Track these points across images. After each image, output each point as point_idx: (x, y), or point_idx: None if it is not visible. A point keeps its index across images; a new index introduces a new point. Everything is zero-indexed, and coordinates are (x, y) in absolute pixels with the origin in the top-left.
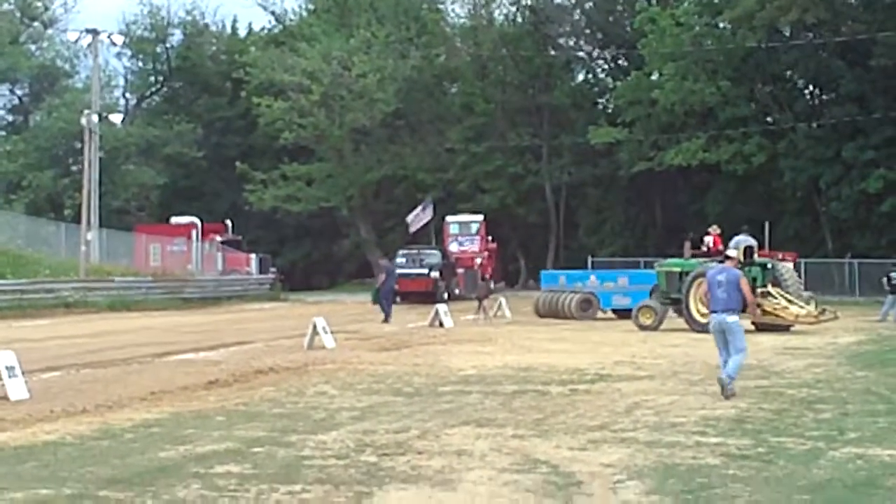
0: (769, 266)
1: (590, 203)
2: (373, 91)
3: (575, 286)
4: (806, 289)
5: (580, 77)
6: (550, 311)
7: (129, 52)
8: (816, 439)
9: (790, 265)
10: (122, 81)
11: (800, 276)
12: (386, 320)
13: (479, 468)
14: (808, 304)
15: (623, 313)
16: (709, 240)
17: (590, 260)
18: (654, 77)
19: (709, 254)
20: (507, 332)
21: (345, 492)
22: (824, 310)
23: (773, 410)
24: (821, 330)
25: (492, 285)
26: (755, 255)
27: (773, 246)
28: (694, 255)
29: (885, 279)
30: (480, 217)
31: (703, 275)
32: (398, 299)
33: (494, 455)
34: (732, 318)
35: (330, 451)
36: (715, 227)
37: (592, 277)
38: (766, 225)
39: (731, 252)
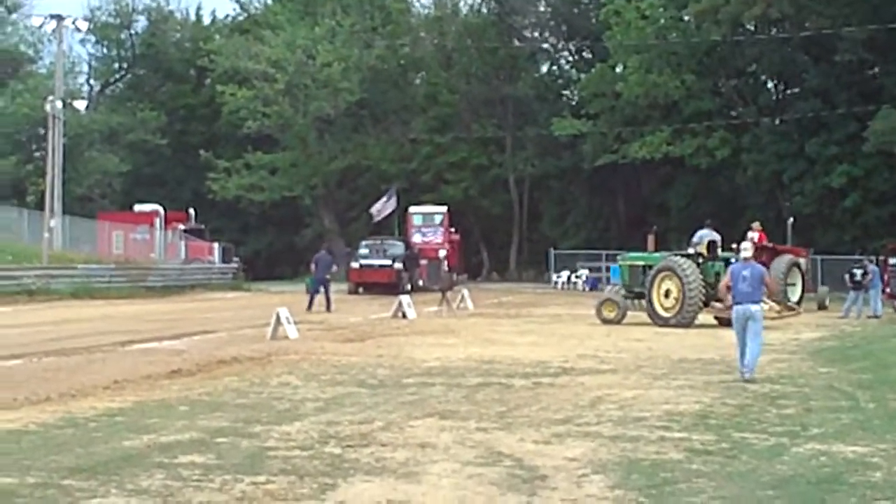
0: (733, 260)
1: (553, 195)
2: (337, 80)
3: None
4: (823, 283)
5: (544, 69)
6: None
7: (93, 39)
8: (780, 435)
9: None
10: (86, 68)
11: (807, 273)
12: (308, 308)
13: (443, 461)
14: (824, 300)
15: None
16: (754, 235)
17: (552, 252)
18: (619, 69)
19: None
20: (470, 324)
21: (309, 483)
22: (788, 305)
23: (736, 406)
24: (783, 325)
25: (455, 277)
26: (718, 250)
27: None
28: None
29: (847, 276)
30: (444, 208)
31: (667, 269)
32: (360, 290)
33: (458, 448)
34: (756, 307)
35: (294, 442)
36: (757, 223)
37: None
38: (790, 221)
39: (745, 249)
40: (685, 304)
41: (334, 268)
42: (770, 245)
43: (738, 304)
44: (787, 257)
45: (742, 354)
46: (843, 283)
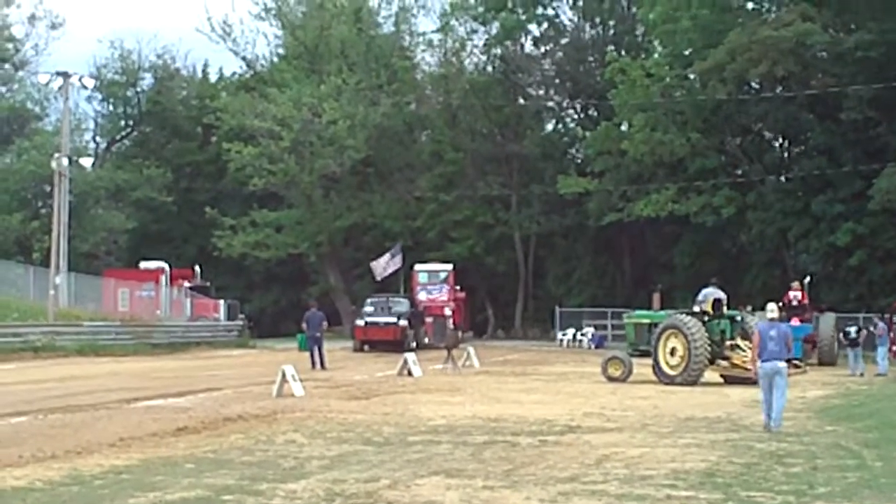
0: (738, 318)
1: (558, 253)
2: (343, 138)
3: None
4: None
5: (550, 126)
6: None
7: (99, 96)
8: (786, 493)
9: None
10: (92, 125)
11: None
12: (313, 367)
13: None
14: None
15: None
16: (797, 294)
17: (557, 310)
18: (624, 127)
19: (799, 307)
20: (476, 381)
21: None
22: (794, 363)
23: (742, 464)
24: (790, 383)
25: (460, 334)
26: (723, 308)
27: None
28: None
29: (841, 334)
30: (449, 266)
31: (672, 326)
32: (365, 347)
33: None
34: (783, 364)
35: (300, 501)
36: (796, 282)
37: None
38: (807, 280)
39: (772, 311)
40: (691, 361)
41: (325, 324)
42: (806, 303)
43: (765, 360)
44: (831, 315)
45: (768, 408)
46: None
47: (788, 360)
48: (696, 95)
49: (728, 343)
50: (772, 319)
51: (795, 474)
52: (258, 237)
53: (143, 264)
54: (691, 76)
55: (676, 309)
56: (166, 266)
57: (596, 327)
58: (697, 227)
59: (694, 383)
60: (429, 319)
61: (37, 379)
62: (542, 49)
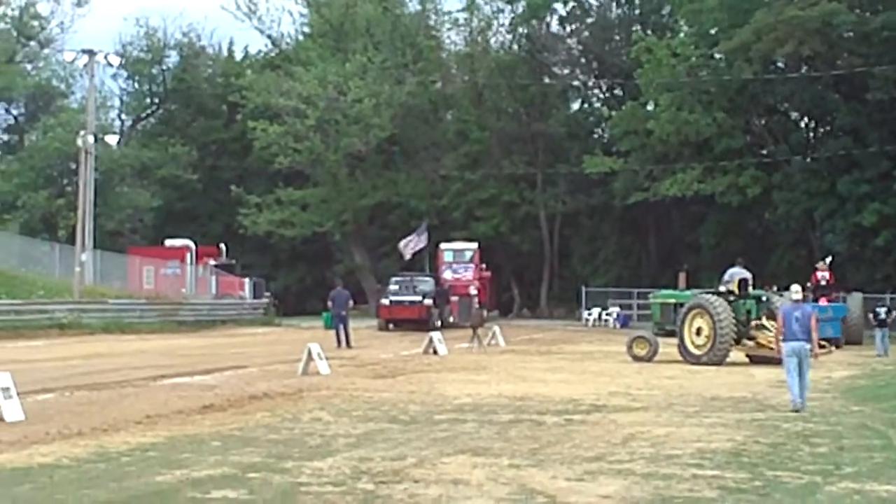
0: (764, 299)
1: (584, 232)
2: (368, 116)
3: None
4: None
5: (575, 106)
6: None
7: (125, 74)
8: (813, 474)
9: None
10: (117, 102)
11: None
12: (339, 345)
13: (476, 497)
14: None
15: None
16: (825, 274)
17: (583, 289)
18: (650, 107)
19: (827, 287)
20: (502, 360)
21: None
22: (820, 343)
23: (769, 444)
24: (815, 364)
25: (485, 314)
26: (749, 288)
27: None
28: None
29: (871, 314)
30: (475, 245)
31: (698, 306)
32: (390, 326)
33: (491, 484)
34: (808, 345)
35: (326, 478)
36: (822, 262)
37: None
38: (829, 260)
39: (796, 292)
40: (716, 341)
41: (350, 303)
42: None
43: (789, 340)
44: (858, 295)
45: (794, 386)
46: (870, 322)
47: (828, 340)
48: (722, 75)
49: (754, 323)
50: (796, 301)
51: (822, 454)
52: (283, 215)
53: (169, 242)
54: (717, 56)
55: (702, 289)
56: (192, 244)
57: (621, 307)
58: (723, 207)
59: (720, 363)
60: (454, 298)
61: (63, 356)
62: (568, 28)
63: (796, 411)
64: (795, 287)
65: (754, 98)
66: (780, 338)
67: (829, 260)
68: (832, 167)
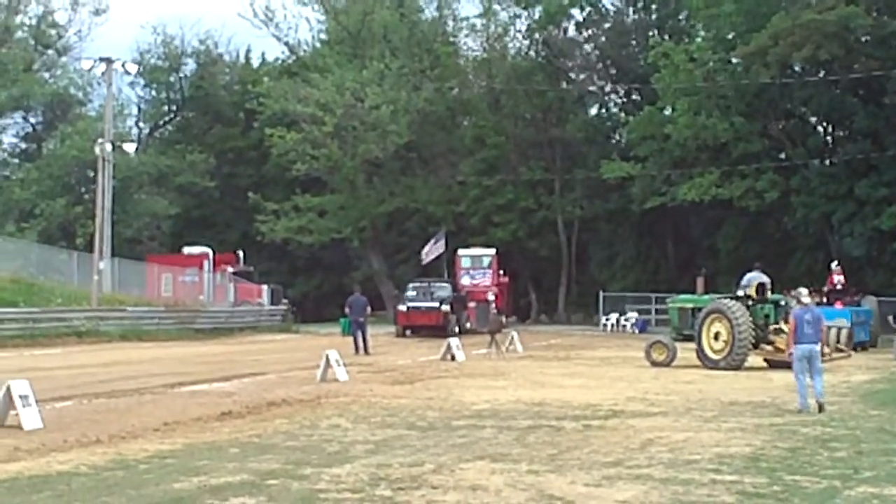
0: (782, 303)
1: (601, 237)
2: (386, 123)
3: None
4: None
5: (593, 111)
6: None
7: (142, 81)
8: (832, 478)
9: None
10: (135, 110)
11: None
12: (356, 352)
13: (494, 503)
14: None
15: None
16: (840, 278)
17: (601, 294)
18: (667, 112)
19: (842, 291)
20: (520, 366)
21: None
22: (838, 348)
23: (787, 448)
24: (833, 368)
25: (503, 319)
26: (767, 292)
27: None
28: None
29: (891, 317)
30: (492, 251)
31: (716, 311)
32: (408, 332)
33: (510, 490)
34: (818, 347)
35: (345, 485)
36: (835, 266)
37: None
38: (835, 263)
39: (805, 295)
40: (735, 346)
41: (368, 309)
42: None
43: (801, 343)
44: (872, 298)
45: (803, 389)
46: (891, 326)
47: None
48: (740, 79)
49: (772, 327)
50: (806, 304)
51: (840, 459)
52: (301, 222)
53: (187, 249)
54: (734, 60)
55: (720, 293)
56: (209, 251)
57: (639, 312)
58: (741, 212)
59: (738, 368)
60: (472, 304)
61: (81, 364)
62: (585, 33)
63: (800, 413)
64: (803, 290)
65: (772, 102)
66: (792, 340)
67: (835, 263)
68: (850, 171)
